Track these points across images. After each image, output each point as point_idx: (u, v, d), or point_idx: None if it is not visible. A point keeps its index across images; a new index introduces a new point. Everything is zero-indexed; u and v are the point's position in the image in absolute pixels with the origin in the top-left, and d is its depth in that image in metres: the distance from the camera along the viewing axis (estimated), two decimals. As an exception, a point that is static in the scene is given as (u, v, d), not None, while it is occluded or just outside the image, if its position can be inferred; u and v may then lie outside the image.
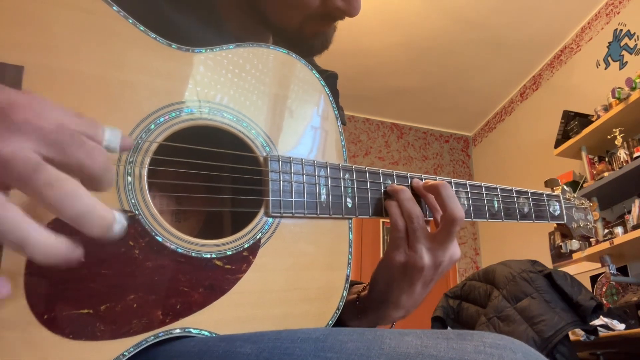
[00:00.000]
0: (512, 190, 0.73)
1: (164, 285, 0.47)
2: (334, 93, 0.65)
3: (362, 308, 0.64)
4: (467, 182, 0.70)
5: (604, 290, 2.98)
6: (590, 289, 2.92)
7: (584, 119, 3.10)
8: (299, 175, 0.57)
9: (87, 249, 0.37)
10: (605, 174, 2.83)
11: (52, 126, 0.33)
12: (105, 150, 0.36)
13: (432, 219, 0.63)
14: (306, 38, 0.62)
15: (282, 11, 0.62)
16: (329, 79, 0.65)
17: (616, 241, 2.64)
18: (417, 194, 0.62)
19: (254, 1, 0.64)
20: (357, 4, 0.62)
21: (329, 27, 0.68)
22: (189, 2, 0.64)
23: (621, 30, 3.21)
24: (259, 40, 0.72)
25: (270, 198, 0.54)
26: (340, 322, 0.68)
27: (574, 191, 0.87)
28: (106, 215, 0.34)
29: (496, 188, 0.71)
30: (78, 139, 0.34)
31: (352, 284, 0.75)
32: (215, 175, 0.55)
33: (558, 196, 0.81)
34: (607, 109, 2.91)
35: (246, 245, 0.52)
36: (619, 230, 2.72)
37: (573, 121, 3.15)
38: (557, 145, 3.25)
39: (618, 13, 3.27)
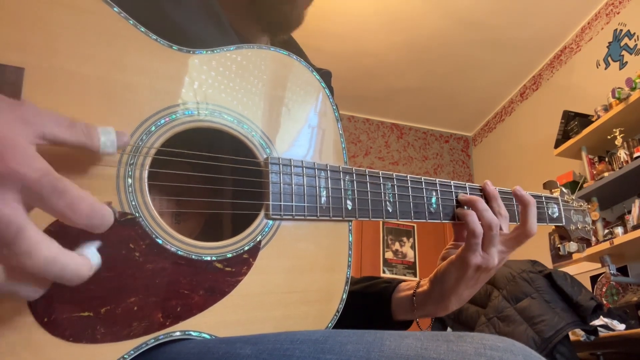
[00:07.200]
0: (511, 193, 0.73)
1: (164, 287, 0.47)
2: (329, 90, 0.66)
3: (421, 302, 0.71)
4: (467, 184, 0.70)
5: (604, 290, 2.98)
6: (590, 289, 2.92)
7: (584, 119, 3.10)
8: (299, 178, 0.56)
9: None
10: (605, 174, 2.83)
11: (35, 175, 0.32)
12: (91, 198, 0.35)
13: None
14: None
15: None
16: (324, 76, 0.66)
17: (616, 241, 2.64)
18: (486, 198, 0.69)
19: None
20: None
21: None
22: (193, 4, 0.64)
23: (621, 30, 3.21)
24: (255, 36, 0.73)
25: (270, 201, 0.54)
26: (389, 317, 0.73)
27: (574, 191, 0.87)
28: (81, 269, 0.35)
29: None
30: (59, 189, 0.33)
31: (372, 278, 0.78)
32: (215, 178, 0.55)
33: (557, 198, 0.81)
34: (607, 109, 2.91)
35: (246, 248, 0.52)
36: (619, 230, 2.72)
37: (573, 121, 3.15)
38: (557, 146, 3.25)
39: (618, 13, 3.27)
